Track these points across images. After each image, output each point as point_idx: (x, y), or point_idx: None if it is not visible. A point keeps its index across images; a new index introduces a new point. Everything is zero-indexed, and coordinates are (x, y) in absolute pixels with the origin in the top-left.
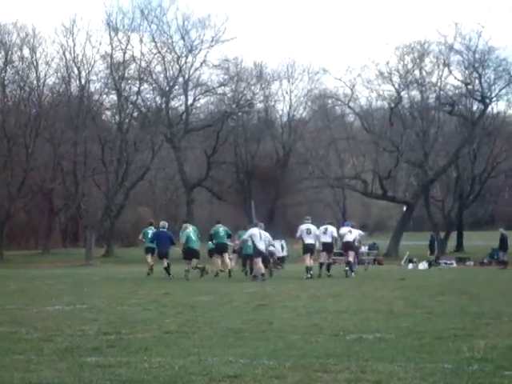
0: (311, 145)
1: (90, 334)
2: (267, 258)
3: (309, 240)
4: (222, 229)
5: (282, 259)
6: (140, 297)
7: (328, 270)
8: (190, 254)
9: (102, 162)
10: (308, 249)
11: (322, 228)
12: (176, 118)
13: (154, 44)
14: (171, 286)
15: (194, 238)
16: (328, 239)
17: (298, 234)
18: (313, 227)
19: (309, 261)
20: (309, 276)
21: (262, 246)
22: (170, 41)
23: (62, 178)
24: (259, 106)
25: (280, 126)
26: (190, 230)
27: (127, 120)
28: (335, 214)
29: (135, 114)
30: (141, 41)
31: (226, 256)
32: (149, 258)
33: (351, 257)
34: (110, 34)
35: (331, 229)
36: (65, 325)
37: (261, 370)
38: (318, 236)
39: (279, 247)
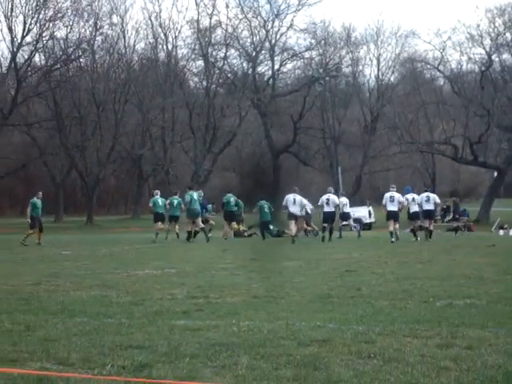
0: (400, 109)
1: (178, 297)
2: (297, 219)
3: (392, 207)
4: (232, 198)
5: (368, 225)
6: (227, 261)
7: (430, 236)
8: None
9: (190, 127)
10: (391, 215)
11: (424, 196)
12: (263, 84)
13: (240, 9)
14: (259, 251)
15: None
16: (430, 206)
17: (383, 202)
18: (397, 195)
19: (392, 227)
20: (393, 240)
21: (294, 210)
22: (256, 5)
23: (151, 144)
24: (346, 70)
25: (368, 91)
26: (193, 194)
27: (214, 86)
28: (424, 179)
29: (222, 80)
30: (227, 6)
31: (233, 224)
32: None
33: (431, 225)
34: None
35: (433, 196)
36: (154, 289)
37: (349, 335)
38: (408, 202)
39: (366, 213)
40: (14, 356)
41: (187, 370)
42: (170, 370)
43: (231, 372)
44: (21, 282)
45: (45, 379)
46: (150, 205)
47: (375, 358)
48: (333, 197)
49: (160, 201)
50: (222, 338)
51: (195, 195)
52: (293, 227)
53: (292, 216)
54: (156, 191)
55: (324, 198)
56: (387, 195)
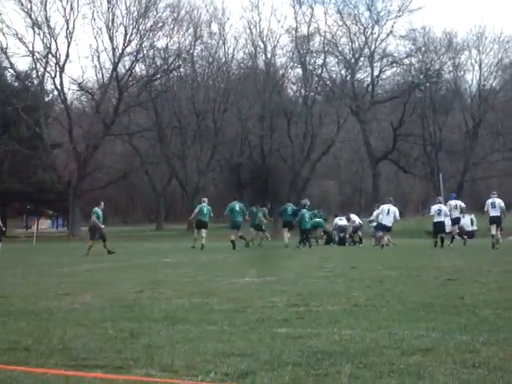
0: (502, 115)
1: (279, 305)
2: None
3: (494, 213)
4: (238, 206)
5: (471, 233)
6: (327, 270)
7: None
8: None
9: (288, 135)
10: (493, 220)
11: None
12: (362, 90)
13: (339, 16)
14: (358, 259)
15: (205, 212)
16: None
17: (485, 208)
18: (498, 200)
19: (495, 231)
20: (494, 242)
21: (386, 221)
22: (355, 12)
23: (249, 152)
24: (447, 76)
25: (469, 97)
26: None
27: (312, 93)
28: None
29: (320, 88)
30: (325, 13)
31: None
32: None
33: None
34: (294, 8)
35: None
36: (255, 296)
37: (453, 344)
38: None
39: (468, 221)
40: (119, 363)
41: (290, 378)
42: (272, 377)
43: (334, 381)
44: (124, 290)
45: None
46: (196, 211)
47: (480, 367)
48: (443, 207)
49: (205, 209)
50: (324, 346)
51: (237, 206)
52: (385, 238)
53: (382, 227)
54: (204, 199)
55: (436, 207)
56: (489, 201)
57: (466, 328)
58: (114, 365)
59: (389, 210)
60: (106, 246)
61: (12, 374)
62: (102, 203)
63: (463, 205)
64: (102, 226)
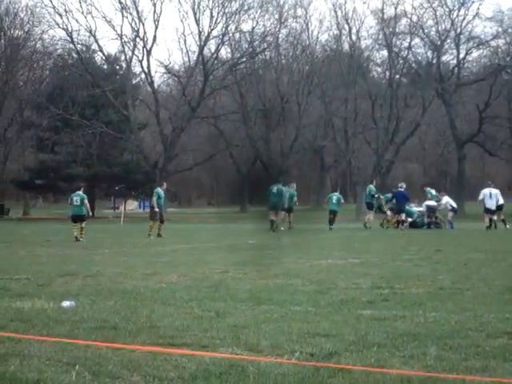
0: None
1: (363, 287)
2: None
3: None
4: (275, 188)
5: None
6: (412, 253)
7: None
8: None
9: (373, 118)
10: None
11: None
12: (447, 73)
13: None
14: (443, 242)
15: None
16: None
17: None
18: (495, 190)
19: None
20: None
21: (489, 205)
22: None
23: (333, 135)
24: None
25: None
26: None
27: (398, 76)
28: None
29: (405, 70)
30: None
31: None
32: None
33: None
34: None
35: None
36: (339, 278)
37: None
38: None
39: None
40: (206, 342)
41: (375, 359)
42: (358, 358)
43: (420, 362)
44: (209, 270)
45: (236, 365)
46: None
47: None
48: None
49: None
50: (409, 328)
51: (275, 188)
52: (487, 220)
53: (488, 210)
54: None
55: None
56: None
57: None
58: (200, 343)
59: (490, 193)
60: (161, 228)
61: (100, 352)
62: (165, 184)
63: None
64: (156, 210)
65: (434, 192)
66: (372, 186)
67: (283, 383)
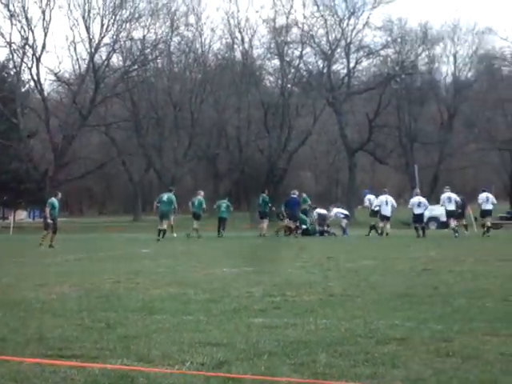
0: (477, 106)
1: (256, 295)
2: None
3: (450, 207)
4: (165, 196)
5: (446, 224)
6: (304, 260)
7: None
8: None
9: (265, 127)
10: (450, 214)
11: (484, 196)
12: (338, 82)
13: (316, 7)
14: (334, 250)
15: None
16: (490, 206)
17: (440, 203)
18: (453, 195)
19: (452, 223)
20: (456, 235)
21: (386, 212)
22: (332, 3)
23: (226, 143)
24: (423, 67)
25: (444, 88)
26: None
27: (289, 85)
28: (502, 177)
29: (297, 79)
30: (303, 4)
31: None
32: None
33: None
34: None
35: (491, 196)
36: (232, 287)
37: (428, 334)
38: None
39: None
40: (95, 353)
41: (265, 367)
42: (248, 367)
43: (309, 369)
44: (101, 280)
45: (125, 376)
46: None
47: (454, 356)
48: (423, 199)
49: (196, 201)
50: (300, 335)
51: (165, 197)
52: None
53: (384, 217)
54: (199, 191)
55: (415, 200)
56: (444, 196)
57: (440, 317)
58: (90, 355)
59: (387, 200)
60: (47, 238)
61: None
62: (59, 194)
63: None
64: (50, 221)
65: (305, 196)
66: (265, 195)
67: None
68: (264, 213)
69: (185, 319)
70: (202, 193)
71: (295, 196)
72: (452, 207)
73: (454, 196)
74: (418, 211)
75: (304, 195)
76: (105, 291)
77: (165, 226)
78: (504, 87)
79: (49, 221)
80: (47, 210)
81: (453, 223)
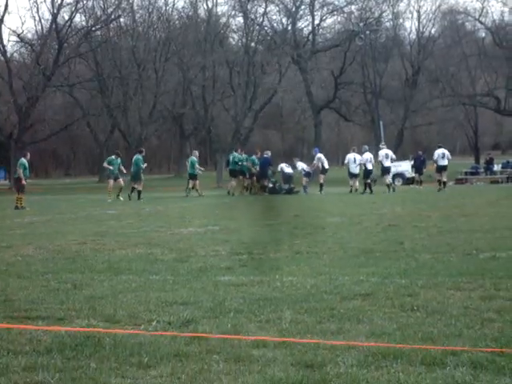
0: (441, 62)
1: (222, 254)
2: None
3: (387, 164)
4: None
5: (411, 179)
6: (271, 218)
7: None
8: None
9: (230, 85)
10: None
11: (440, 152)
12: (303, 39)
13: None
14: (302, 208)
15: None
16: (445, 162)
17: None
18: (390, 152)
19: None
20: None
21: (354, 170)
22: None
23: (192, 103)
24: (387, 24)
25: (409, 44)
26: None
27: (254, 43)
28: (467, 132)
29: (262, 37)
30: None
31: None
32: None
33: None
34: None
35: (447, 153)
36: (198, 246)
37: (392, 289)
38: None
39: (409, 168)
40: (61, 314)
41: (232, 325)
42: (214, 325)
43: (275, 326)
44: (67, 242)
45: (92, 336)
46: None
47: (418, 310)
48: (390, 152)
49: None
50: (266, 293)
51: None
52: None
53: (352, 175)
54: (194, 151)
55: (383, 152)
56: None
57: (405, 272)
58: (56, 316)
59: (355, 158)
60: (22, 200)
61: None
62: (28, 154)
63: (393, 155)
64: (24, 183)
65: (255, 158)
66: (236, 153)
67: (139, 353)
68: (233, 171)
69: (151, 279)
70: (196, 152)
71: (267, 156)
72: (388, 163)
73: (390, 153)
74: (442, 163)
75: (234, 153)
76: (71, 253)
77: (138, 186)
78: (467, 42)
79: (23, 182)
80: (20, 170)
81: (387, 180)
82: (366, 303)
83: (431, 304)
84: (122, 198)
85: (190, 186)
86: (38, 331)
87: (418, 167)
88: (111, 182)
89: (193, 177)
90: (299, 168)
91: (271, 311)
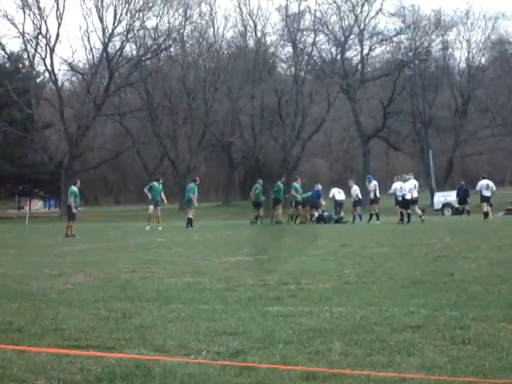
0: (491, 92)
1: (271, 284)
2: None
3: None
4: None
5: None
6: (319, 248)
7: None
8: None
9: (279, 114)
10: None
11: (484, 183)
12: (351, 69)
13: None
14: (349, 237)
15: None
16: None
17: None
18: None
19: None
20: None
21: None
22: None
23: (241, 132)
24: (436, 53)
25: (458, 74)
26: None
27: (303, 72)
28: None
29: (310, 66)
30: None
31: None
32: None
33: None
34: None
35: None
36: (247, 275)
37: (443, 321)
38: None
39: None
40: (111, 343)
41: (281, 356)
42: (264, 356)
43: (325, 358)
44: (117, 270)
45: (141, 365)
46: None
47: (469, 343)
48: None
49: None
50: (315, 324)
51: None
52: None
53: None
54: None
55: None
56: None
57: (455, 304)
58: (106, 345)
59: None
60: (72, 228)
61: (5, 355)
62: (79, 182)
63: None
64: (75, 211)
65: (297, 185)
66: (279, 183)
67: (189, 383)
68: (278, 200)
69: (200, 308)
70: (261, 181)
71: (318, 189)
72: (415, 194)
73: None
74: (486, 194)
75: (278, 183)
76: (120, 281)
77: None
78: None
79: (74, 211)
80: (71, 199)
81: (407, 211)
82: (417, 335)
83: (482, 337)
84: (160, 228)
85: (256, 214)
86: (89, 360)
87: (461, 197)
88: (151, 208)
89: (257, 205)
90: (354, 193)
91: (320, 342)
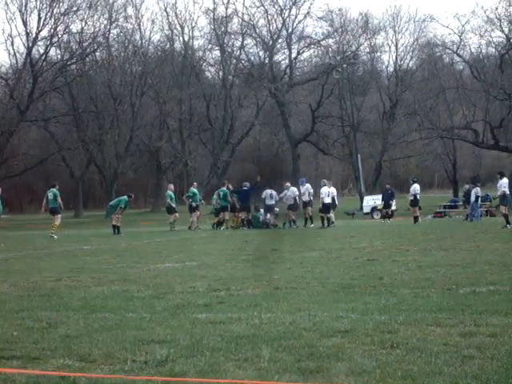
0: (419, 95)
1: (200, 290)
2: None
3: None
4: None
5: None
6: (248, 253)
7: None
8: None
9: (207, 119)
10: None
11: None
12: (280, 72)
13: None
14: (280, 242)
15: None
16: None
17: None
18: (333, 189)
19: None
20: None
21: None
22: None
23: (169, 136)
24: (364, 57)
25: (386, 77)
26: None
27: (231, 76)
28: (445, 165)
29: (239, 70)
30: None
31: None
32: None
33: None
34: None
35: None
36: (175, 282)
37: (372, 325)
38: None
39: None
40: (36, 353)
41: (209, 364)
42: (192, 364)
43: (253, 365)
44: (42, 278)
45: (66, 377)
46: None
47: (398, 347)
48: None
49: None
50: (244, 330)
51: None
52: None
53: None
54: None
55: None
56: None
57: (384, 308)
58: (30, 355)
59: (329, 192)
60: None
61: None
62: (0, 189)
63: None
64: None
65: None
66: (224, 188)
67: None
68: (225, 207)
69: (127, 317)
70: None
71: (246, 188)
72: (328, 200)
73: (332, 190)
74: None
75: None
76: (46, 290)
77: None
78: (445, 75)
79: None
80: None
81: (293, 216)
82: (346, 340)
83: (411, 341)
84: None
85: (171, 219)
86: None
87: (386, 201)
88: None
89: (172, 210)
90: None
91: (249, 349)
